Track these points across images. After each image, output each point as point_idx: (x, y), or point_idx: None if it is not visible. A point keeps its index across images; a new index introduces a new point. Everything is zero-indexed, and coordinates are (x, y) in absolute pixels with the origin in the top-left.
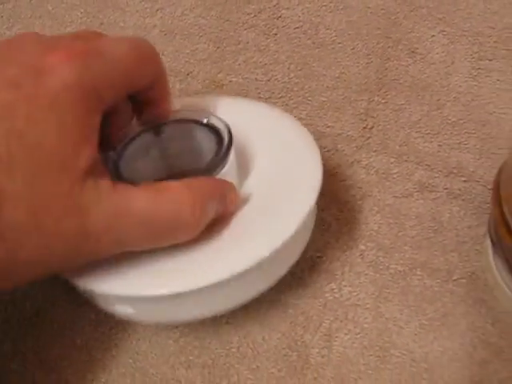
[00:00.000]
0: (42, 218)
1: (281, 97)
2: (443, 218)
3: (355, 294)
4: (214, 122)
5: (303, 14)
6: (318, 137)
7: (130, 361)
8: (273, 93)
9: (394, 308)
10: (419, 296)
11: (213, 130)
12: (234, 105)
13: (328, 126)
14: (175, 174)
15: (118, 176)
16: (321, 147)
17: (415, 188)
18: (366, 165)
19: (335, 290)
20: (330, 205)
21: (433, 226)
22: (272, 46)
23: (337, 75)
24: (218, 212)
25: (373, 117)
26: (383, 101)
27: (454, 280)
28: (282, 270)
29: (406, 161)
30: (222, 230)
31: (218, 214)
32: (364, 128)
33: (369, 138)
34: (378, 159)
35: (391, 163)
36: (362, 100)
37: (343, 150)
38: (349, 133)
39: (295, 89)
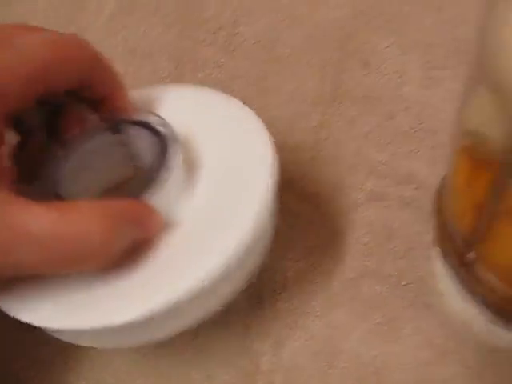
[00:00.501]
0: None
1: None
2: (394, 225)
3: (306, 301)
4: (154, 121)
5: (260, 29)
6: None
7: None
8: None
9: (344, 314)
10: (368, 302)
11: (153, 131)
12: (182, 93)
13: (283, 140)
14: (115, 185)
15: (53, 183)
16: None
17: (367, 197)
18: (319, 176)
19: (286, 299)
20: (283, 216)
21: (384, 233)
22: (230, 62)
23: (293, 89)
24: (135, 238)
25: (326, 128)
26: (337, 112)
27: (403, 285)
28: (218, 300)
29: (358, 171)
30: (147, 257)
31: (136, 241)
32: (317, 140)
33: (322, 150)
34: (330, 170)
35: (344, 173)
36: (316, 112)
37: (297, 163)
38: (303, 145)
39: (252, 103)
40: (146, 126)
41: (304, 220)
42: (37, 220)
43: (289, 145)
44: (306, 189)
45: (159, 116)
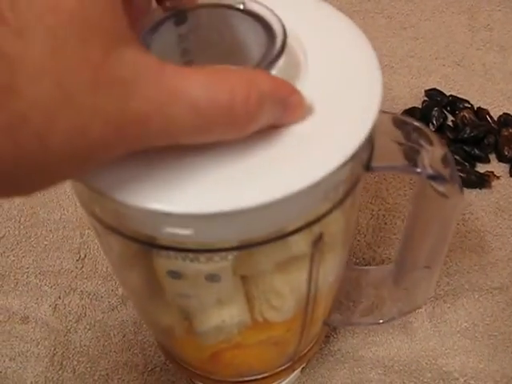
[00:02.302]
0: (71, 91)
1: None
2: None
3: None
4: (257, 9)
5: None
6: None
7: None
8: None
9: None
10: None
11: (257, 19)
12: None
13: (50, 265)
14: None
15: None
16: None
17: (119, 301)
18: (81, 291)
19: None
20: None
21: (133, 329)
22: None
23: (58, 218)
24: (275, 118)
25: (84, 248)
26: (92, 233)
27: (150, 370)
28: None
29: (110, 280)
30: (275, 142)
31: (275, 121)
32: (77, 260)
33: (82, 267)
34: (89, 284)
35: (99, 284)
36: (77, 236)
37: (62, 283)
38: (66, 267)
39: (21, 235)
40: (244, 12)
41: (67, 334)
42: (190, 83)
43: (55, 269)
44: (71, 304)
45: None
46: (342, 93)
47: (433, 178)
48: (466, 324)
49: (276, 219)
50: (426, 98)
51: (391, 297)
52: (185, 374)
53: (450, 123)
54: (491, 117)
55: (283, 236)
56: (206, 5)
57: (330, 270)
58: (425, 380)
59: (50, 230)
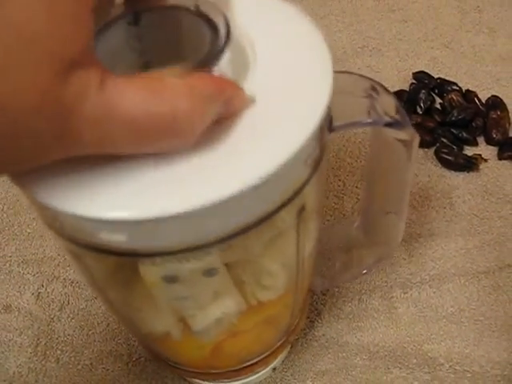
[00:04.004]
0: (13, 116)
1: None
2: None
3: None
4: (205, 8)
5: None
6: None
7: None
8: None
9: None
10: (101, 382)
11: (204, 18)
12: None
13: (33, 254)
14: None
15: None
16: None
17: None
18: (64, 279)
19: None
20: None
21: (117, 318)
22: None
23: None
24: (218, 114)
25: None
26: None
27: (134, 360)
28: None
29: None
30: (221, 135)
31: (218, 117)
32: (60, 247)
33: (65, 255)
34: (72, 271)
35: None
36: None
37: (45, 271)
38: (49, 255)
39: (4, 223)
40: (193, 12)
41: (50, 323)
42: (128, 97)
43: (39, 256)
44: (54, 292)
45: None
46: (296, 73)
47: (389, 125)
48: (451, 309)
49: (269, 196)
50: (413, 81)
51: (363, 247)
52: (177, 374)
53: (438, 106)
54: (479, 99)
55: (272, 213)
56: (160, 7)
57: (312, 236)
58: (410, 366)
59: (33, 218)
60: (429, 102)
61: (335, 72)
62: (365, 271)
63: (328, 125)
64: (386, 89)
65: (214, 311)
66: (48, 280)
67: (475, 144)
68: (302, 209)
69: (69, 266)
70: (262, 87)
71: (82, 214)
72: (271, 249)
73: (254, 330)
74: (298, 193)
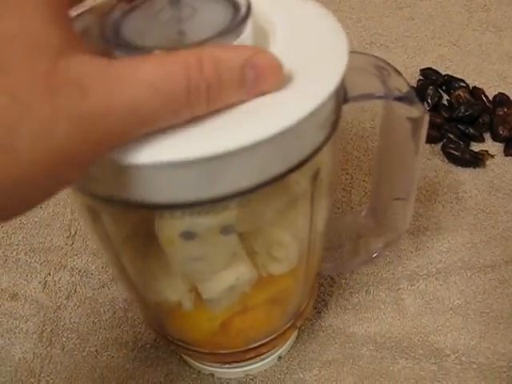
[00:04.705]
0: (27, 100)
1: None
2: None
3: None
4: None
5: None
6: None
7: None
8: None
9: None
10: (106, 369)
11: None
12: None
13: (40, 242)
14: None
15: (117, 38)
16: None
17: (109, 278)
18: (71, 268)
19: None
20: None
21: (123, 306)
22: None
23: None
24: (248, 87)
25: (75, 225)
26: None
27: (139, 347)
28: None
29: (100, 257)
30: None
31: (249, 91)
32: (67, 237)
33: (72, 244)
34: (79, 260)
35: (90, 261)
36: (67, 213)
37: (52, 260)
38: (57, 244)
39: None
40: None
41: (57, 310)
42: (142, 67)
43: (46, 245)
44: (61, 280)
45: None
46: (315, 47)
47: (399, 99)
48: (458, 301)
49: (285, 153)
50: (421, 77)
51: (372, 233)
52: (184, 353)
53: (445, 102)
54: (486, 96)
55: (288, 172)
56: None
57: (324, 210)
58: (416, 356)
59: (41, 207)
60: (436, 98)
61: (351, 52)
62: (374, 255)
63: (343, 95)
64: (397, 70)
65: (226, 277)
66: (55, 268)
67: (482, 140)
68: (317, 173)
69: (76, 254)
70: (282, 57)
71: (114, 160)
72: (284, 218)
73: (264, 307)
74: (313, 155)
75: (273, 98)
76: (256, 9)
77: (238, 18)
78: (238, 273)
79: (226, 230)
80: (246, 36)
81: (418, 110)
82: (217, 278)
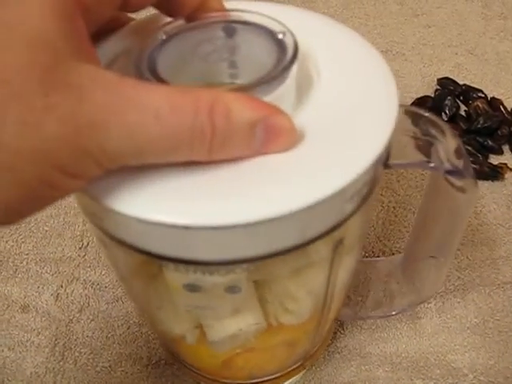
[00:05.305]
0: (19, 88)
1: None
2: None
3: None
4: (273, 26)
5: None
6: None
7: None
8: None
9: None
10: None
11: (274, 39)
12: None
13: (51, 252)
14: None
15: (152, 73)
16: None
17: (123, 292)
18: (84, 280)
19: None
20: None
21: (137, 321)
22: None
23: (59, 203)
24: (257, 143)
25: (87, 236)
26: None
27: (154, 363)
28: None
29: (114, 270)
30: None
31: (259, 148)
32: (80, 248)
33: (85, 255)
34: (92, 273)
35: (103, 274)
36: (79, 223)
37: (64, 271)
38: (68, 254)
39: None
40: (264, 29)
41: (69, 323)
42: (152, 93)
43: (57, 256)
44: (74, 292)
45: (278, 21)
46: (359, 98)
47: (450, 172)
48: (475, 320)
49: (304, 227)
50: (438, 87)
51: (400, 289)
52: (193, 377)
53: (463, 113)
54: (505, 107)
55: (306, 243)
56: (220, 20)
57: (347, 269)
58: (433, 377)
59: (51, 216)
60: (454, 109)
61: (400, 105)
62: (394, 313)
63: (384, 160)
64: (452, 132)
65: (231, 326)
66: (68, 281)
67: (500, 152)
68: (340, 242)
69: (89, 266)
70: (323, 110)
71: (119, 210)
72: (299, 276)
73: (271, 349)
74: (337, 227)
75: (299, 162)
76: (301, 45)
77: (286, 58)
78: (243, 324)
79: (231, 289)
80: (291, 81)
81: (469, 183)
82: (221, 324)
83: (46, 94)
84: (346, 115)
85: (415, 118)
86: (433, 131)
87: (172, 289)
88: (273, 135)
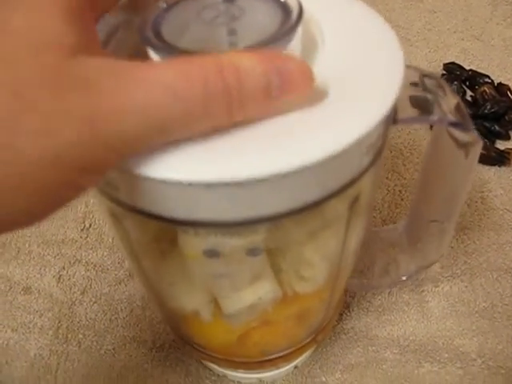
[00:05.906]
0: (30, 98)
1: None
2: None
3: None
4: None
5: None
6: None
7: None
8: None
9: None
10: (124, 368)
11: (277, 2)
12: None
13: (53, 234)
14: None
15: (158, 39)
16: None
17: (126, 274)
18: (86, 262)
19: (51, 381)
20: None
21: (140, 304)
22: None
23: None
24: (273, 94)
25: (89, 218)
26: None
27: (158, 346)
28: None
29: (116, 252)
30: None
31: (275, 98)
32: (82, 230)
33: (87, 237)
34: (94, 255)
35: (105, 256)
36: (81, 205)
37: (66, 254)
38: (70, 236)
39: None
40: None
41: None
42: (162, 71)
43: (59, 238)
44: (76, 274)
45: None
46: (366, 58)
47: (453, 124)
48: (484, 304)
49: (324, 181)
50: (444, 72)
51: (405, 254)
52: (202, 359)
53: (469, 98)
54: None
55: (325, 198)
56: None
57: (359, 232)
58: (442, 360)
59: None
60: (460, 94)
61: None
62: (404, 278)
63: (392, 116)
64: (451, 89)
65: (249, 295)
66: (70, 262)
67: (507, 138)
68: (356, 200)
69: (91, 248)
70: (330, 70)
71: (139, 173)
72: (316, 239)
73: (285, 322)
74: (353, 182)
75: (315, 116)
76: (305, 11)
77: (290, 22)
78: (262, 291)
79: (252, 252)
80: (297, 42)
81: (472, 137)
82: (239, 295)
83: (59, 98)
84: (353, 74)
85: (418, 76)
86: (434, 88)
87: (189, 258)
88: (289, 80)
